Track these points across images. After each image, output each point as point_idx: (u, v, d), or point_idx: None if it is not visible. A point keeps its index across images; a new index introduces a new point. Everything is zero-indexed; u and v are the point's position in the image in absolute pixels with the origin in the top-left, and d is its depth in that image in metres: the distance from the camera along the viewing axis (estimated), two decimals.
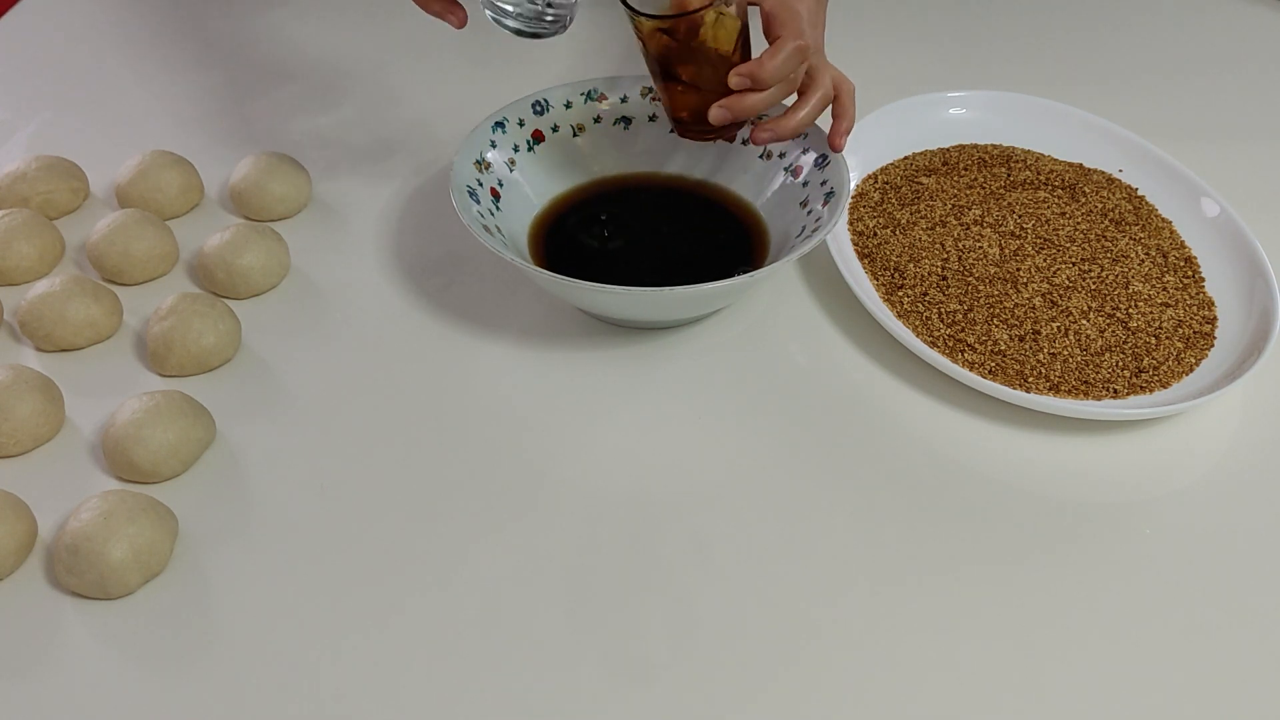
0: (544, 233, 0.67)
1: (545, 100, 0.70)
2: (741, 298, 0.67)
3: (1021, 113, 0.78)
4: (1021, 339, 0.62)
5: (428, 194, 0.75)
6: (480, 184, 0.65)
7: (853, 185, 0.72)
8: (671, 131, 0.69)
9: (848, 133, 0.64)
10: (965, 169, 0.74)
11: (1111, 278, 0.65)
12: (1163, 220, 0.71)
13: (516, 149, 0.69)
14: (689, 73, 0.60)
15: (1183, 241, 0.69)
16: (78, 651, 0.49)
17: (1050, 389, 0.60)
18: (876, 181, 0.73)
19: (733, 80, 0.58)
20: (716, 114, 0.59)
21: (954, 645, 0.50)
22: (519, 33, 0.62)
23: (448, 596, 0.51)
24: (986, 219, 0.69)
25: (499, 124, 0.68)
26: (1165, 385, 0.60)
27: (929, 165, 0.75)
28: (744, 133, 0.68)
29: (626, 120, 0.72)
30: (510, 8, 0.61)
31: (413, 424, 0.59)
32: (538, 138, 0.70)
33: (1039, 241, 0.68)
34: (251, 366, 0.63)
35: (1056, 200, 0.71)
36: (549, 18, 0.61)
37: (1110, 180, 0.74)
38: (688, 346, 0.64)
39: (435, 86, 0.85)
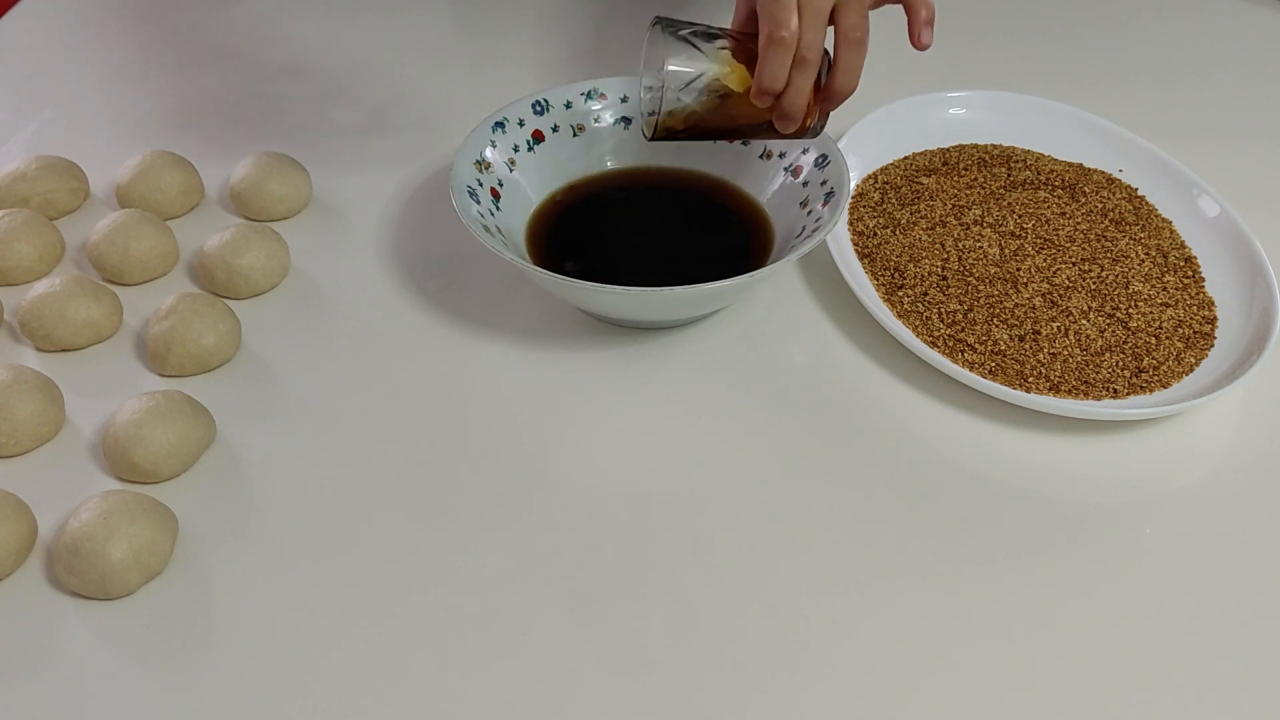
0: (544, 232, 0.67)
1: (545, 100, 0.70)
2: (741, 298, 0.67)
3: (1021, 113, 0.78)
4: (1021, 339, 0.62)
5: (428, 194, 0.75)
6: (480, 184, 0.65)
7: (853, 185, 0.72)
8: None
9: (930, 23, 0.60)
10: (965, 169, 0.74)
11: (1111, 278, 0.65)
12: (1163, 220, 0.71)
13: (516, 149, 0.69)
14: (729, 121, 0.61)
15: (1183, 241, 0.69)
16: (78, 651, 0.49)
17: (1050, 389, 0.60)
18: (876, 181, 0.73)
19: (758, 105, 0.59)
20: (781, 125, 0.60)
21: (953, 645, 0.50)
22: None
23: (447, 596, 0.51)
24: (986, 219, 0.69)
25: (499, 124, 0.68)
26: (1165, 385, 0.60)
27: (929, 165, 0.75)
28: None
29: (626, 120, 0.72)
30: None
31: (413, 424, 0.59)
32: (538, 138, 0.70)
33: (1039, 241, 0.68)
34: (251, 366, 0.63)
35: (1056, 200, 0.71)
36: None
37: (1110, 180, 0.74)
38: (688, 346, 0.64)
39: (435, 86, 0.85)
